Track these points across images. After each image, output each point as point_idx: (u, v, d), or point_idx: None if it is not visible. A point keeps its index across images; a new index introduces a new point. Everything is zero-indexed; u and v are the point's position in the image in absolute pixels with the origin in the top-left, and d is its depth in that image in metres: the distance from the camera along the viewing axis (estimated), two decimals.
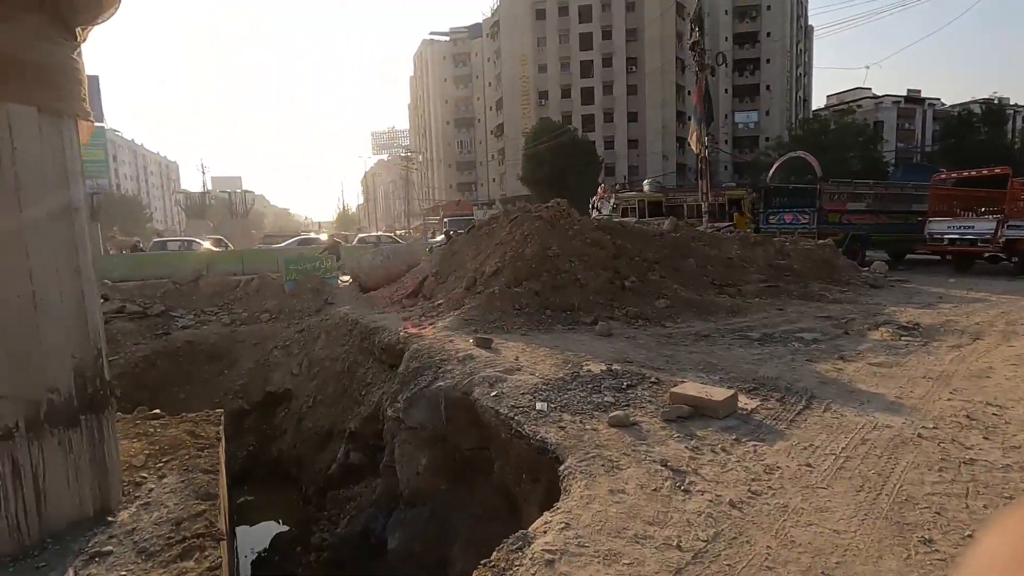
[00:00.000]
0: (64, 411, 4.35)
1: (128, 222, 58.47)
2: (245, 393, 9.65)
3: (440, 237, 18.16)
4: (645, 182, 33.88)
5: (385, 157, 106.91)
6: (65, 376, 4.36)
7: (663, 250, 10.50)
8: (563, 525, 2.67)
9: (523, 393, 4.82)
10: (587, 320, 8.15)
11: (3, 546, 4.11)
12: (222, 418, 7.18)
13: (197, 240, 25.20)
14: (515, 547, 2.65)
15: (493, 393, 4.87)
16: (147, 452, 5.94)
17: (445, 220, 34.19)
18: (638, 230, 10.86)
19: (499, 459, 4.76)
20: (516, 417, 4.33)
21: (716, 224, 18.69)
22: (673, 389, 4.40)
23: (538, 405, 4.47)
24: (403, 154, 75.67)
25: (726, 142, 67.90)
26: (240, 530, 6.95)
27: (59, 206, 4.35)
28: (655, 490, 3.03)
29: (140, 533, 4.38)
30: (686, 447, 3.57)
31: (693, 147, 18.63)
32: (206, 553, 4.04)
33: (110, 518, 4.59)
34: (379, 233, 37.54)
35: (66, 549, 4.19)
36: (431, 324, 8.06)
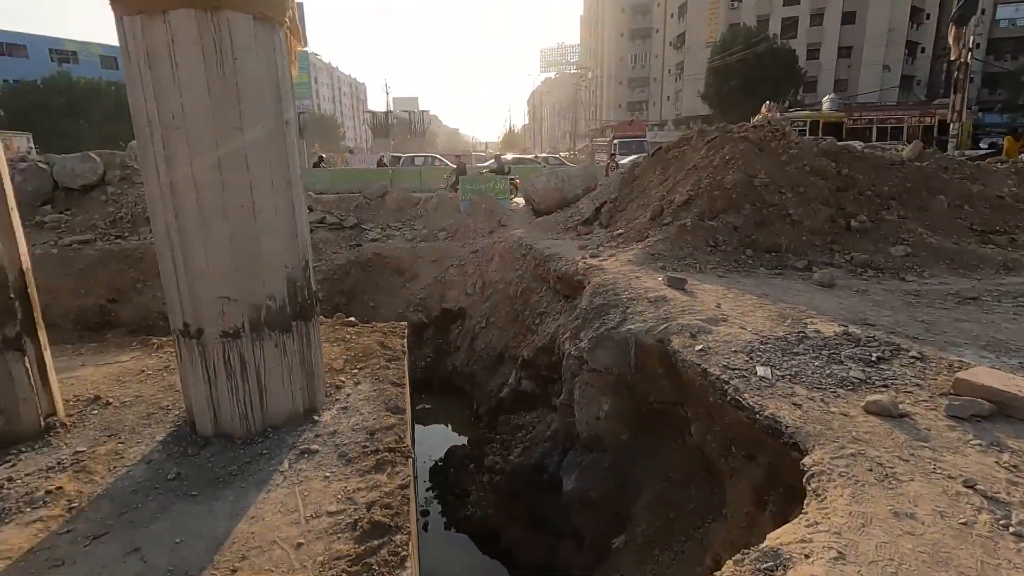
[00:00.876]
0: (279, 317, 4.65)
1: (325, 140, 65.48)
2: (424, 307, 10.15)
3: (631, 158, 16.94)
4: (826, 98, 28.21)
5: (553, 75, 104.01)
6: (279, 284, 4.62)
7: (903, 183, 8.39)
8: (834, 554, 2.00)
9: (735, 351, 4.04)
10: (798, 265, 6.86)
11: (235, 430, 4.64)
12: (406, 331, 7.54)
13: (439, 157, 26.53)
14: (762, 567, 2.05)
15: (697, 347, 4.17)
16: (345, 357, 6.40)
17: (614, 142, 32.30)
18: (872, 157, 8.79)
19: (699, 422, 4.13)
20: (732, 381, 3.61)
21: (966, 152, 14.83)
22: (960, 375, 3.28)
23: (759, 370, 3.69)
24: (572, 71, 72.64)
25: (976, 45, 53.44)
26: (418, 433, 7.39)
27: (273, 119, 4.40)
28: (964, 525, 2.18)
29: (340, 436, 4.67)
30: (997, 462, 2.59)
31: (952, 51, 14.55)
32: (397, 469, 4.15)
33: (316, 417, 4.98)
34: (545, 154, 36.95)
35: (282, 441, 4.61)
36: (612, 256, 7.44)
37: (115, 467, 4.24)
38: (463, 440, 7.42)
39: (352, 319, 7.73)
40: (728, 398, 3.52)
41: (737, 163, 7.95)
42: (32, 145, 29.70)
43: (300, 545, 3.35)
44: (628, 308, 5.25)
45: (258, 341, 4.52)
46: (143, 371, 6.08)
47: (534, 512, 5.29)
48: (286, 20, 4.46)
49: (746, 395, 3.44)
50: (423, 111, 66.48)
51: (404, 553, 3.23)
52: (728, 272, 6.66)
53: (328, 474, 4.10)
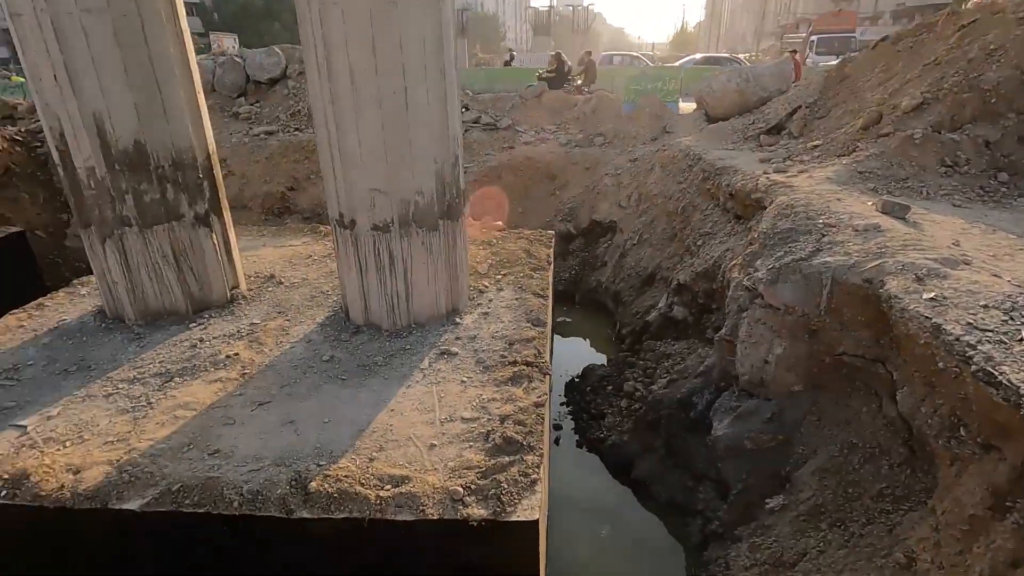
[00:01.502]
0: (426, 214, 4.49)
1: (485, 41, 64.46)
2: (573, 217, 9.67)
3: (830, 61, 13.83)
4: None
5: None
6: (429, 179, 4.42)
7: None
8: None
9: (986, 305, 3.01)
10: None
11: (382, 322, 4.74)
12: (553, 241, 7.17)
13: (641, 56, 24.72)
14: None
15: (927, 294, 3.19)
16: (490, 262, 6.25)
17: (812, 39, 27.05)
18: None
19: (911, 388, 3.26)
20: (980, 346, 2.68)
21: None
22: None
23: None
24: None
25: None
26: (556, 345, 7.22)
27: None
28: None
29: (480, 343, 4.56)
30: None
31: None
32: (533, 385, 3.94)
33: (457, 319, 4.93)
34: (719, 55, 32.45)
35: (424, 339, 4.62)
36: (803, 172, 6.16)
37: (281, 342, 4.59)
38: (602, 359, 7.12)
39: (500, 223, 7.54)
40: (973, 368, 2.62)
41: (1007, 55, 5.90)
42: (237, 45, 33.19)
43: (433, 446, 3.32)
44: (825, 236, 4.25)
45: (405, 237, 4.44)
46: (310, 256, 6.53)
47: (674, 449, 4.88)
48: None
49: (1004, 368, 2.52)
50: (587, 6, 61.72)
51: (535, 476, 3.04)
52: (969, 201, 5.14)
53: (465, 379, 4.02)
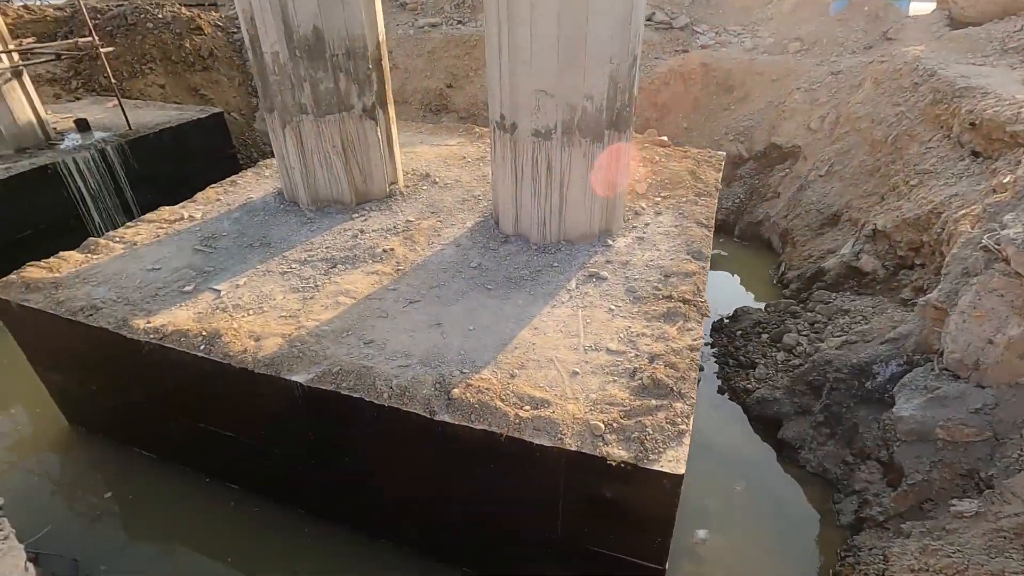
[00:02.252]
0: (593, 122, 4.06)
1: None
2: (747, 137, 8.48)
3: None
4: None
5: None
6: (601, 81, 3.94)
7: None
8: None
9: None
10: None
11: (532, 234, 4.55)
12: (722, 164, 6.35)
13: None
14: None
15: None
16: (649, 181, 5.70)
17: None
18: None
19: None
20: None
21: None
22: None
23: None
24: None
25: None
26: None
27: None
28: None
29: (632, 270, 4.22)
30: None
31: None
32: (689, 326, 3.57)
33: (610, 241, 4.59)
34: None
35: (573, 258, 4.38)
36: None
37: (433, 242, 4.65)
38: (759, 304, 6.41)
39: (664, 139, 6.81)
40: None
41: None
42: None
43: (575, 374, 3.17)
44: None
45: (567, 146, 4.10)
46: (464, 158, 6.47)
47: (836, 417, 4.30)
48: None
49: None
50: None
51: (683, 427, 2.78)
52: None
53: (613, 307, 3.76)
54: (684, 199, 5.29)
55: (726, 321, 6.01)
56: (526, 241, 4.56)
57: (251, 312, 3.77)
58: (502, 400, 2.95)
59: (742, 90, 8.98)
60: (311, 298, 3.91)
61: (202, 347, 3.43)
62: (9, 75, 6.93)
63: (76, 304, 3.84)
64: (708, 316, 3.76)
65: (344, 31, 4.57)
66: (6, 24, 7.19)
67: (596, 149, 4.16)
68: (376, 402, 3.01)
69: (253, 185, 5.82)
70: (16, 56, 7.13)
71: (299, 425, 3.45)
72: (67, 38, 10.06)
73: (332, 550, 3.89)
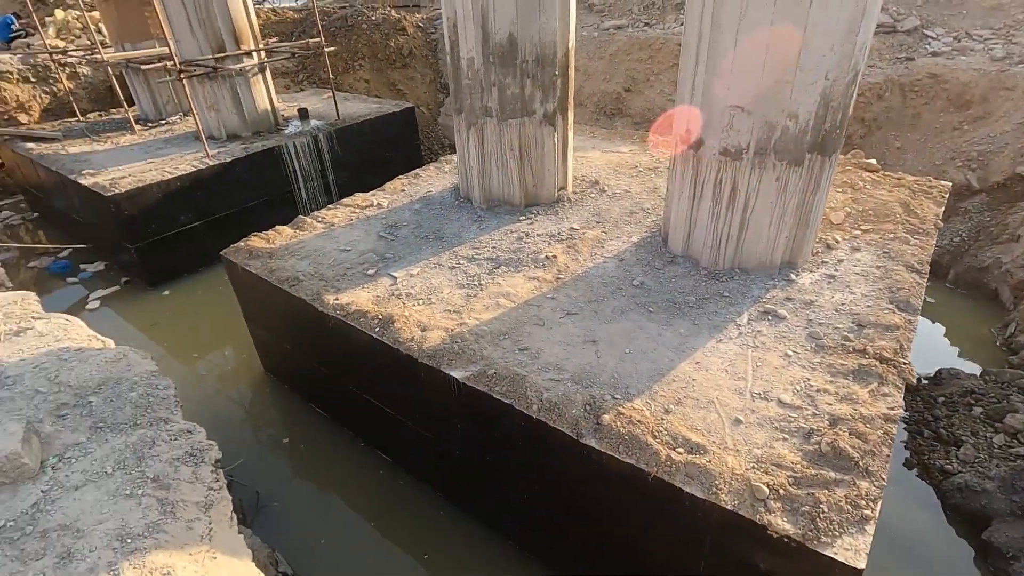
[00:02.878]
0: (793, 144, 3.65)
1: None
2: (981, 165, 7.05)
3: None
4: None
5: None
6: (809, 100, 3.51)
7: None
8: None
9: None
10: None
11: (702, 257, 4.25)
12: (946, 197, 5.34)
13: None
14: None
15: None
16: (848, 210, 5.00)
17: None
18: None
19: None
20: None
21: None
22: None
23: None
24: None
25: None
26: None
27: None
28: None
29: (817, 311, 3.74)
30: None
31: None
32: (884, 390, 3.06)
33: (792, 275, 4.11)
34: None
35: (746, 289, 4.01)
36: None
37: (596, 253, 4.57)
38: (972, 368, 5.32)
39: (871, 161, 5.93)
40: None
41: None
42: None
43: (738, 422, 2.89)
44: None
45: (758, 168, 3.73)
46: (636, 167, 6.27)
47: None
48: None
49: None
50: None
51: (868, 512, 2.37)
52: None
53: (790, 352, 3.36)
54: (891, 235, 4.56)
55: (925, 382, 5.09)
56: (695, 264, 4.28)
57: (420, 302, 4.04)
58: (654, 436, 2.79)
59: (982, 107, 7.50)
60: (474, 296, 4.07)
61: (376, 329, 3.75)
62: (256, 70, 8.25)
63: (284, 274, 4.45)
64: (911, 382, 3.19)
65: (537, 38, 4.65)
66: (258, 25, 8.54)
67: (792, 174, 3.74)
68: (525, 412, 3.03)
69: (434, 179, 6.25)
70: (263, 54, 8.47)
71: (450, 416, 3.62)
72: (300, 38, 11.72)
73: (461, 539, 4.06)
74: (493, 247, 4.73)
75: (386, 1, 15.04)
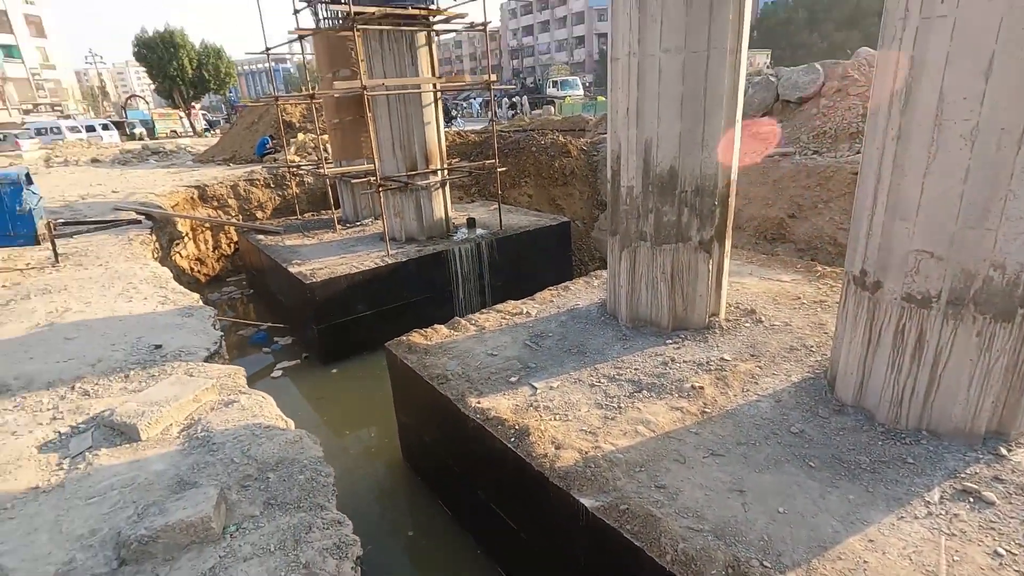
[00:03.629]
0: (1000, 297, 3.18)
1: None
2: None
3: None
4: None
5: None
6: (1019, 251, 3.10)
7: None
8: None
9: None
10: None
11: (880, 413, 3.73)
12: None
13: None
14: None
15: None
16: None
17: None
18: None
19: None
20: None
21: None
22: None
23: None
24: None
25: None
26: None
27: None
28: None
29: None
30: None
31: None
32: None
33: (1003, 450, 3.39)
34: None
35: (938, 458, 3.38)
36: None
37: (748, 390, 4.25)
38: None
39: None
40: None
41: None
42: (768, 60, 33.54)
43: None
44: None
45: (952, 320, 3.28)
46: (799, 298, 5.87)
47: None
48: None
49: None
50: None
51: None
52: None
53: (1002, 551, 2.71)
54: None
55: None
56: (869, 418, 3.76)
57: (557, 417, 4.04)
58: None
59: None
60: (612, 419, 3.98)
61: (512, 439, 3.81)
62: (438, 185, 9.51)
63: (435, 371, 4.79)
64: None
65: (698, 171, 4.78)
66: (445, 147, 9.95)
67: (999, 329, 3.22)
68: (657, 560, 2.79)
69: (582, 293, 6.45)
70: (446, 172, 9.77)
71: (574, 545, 3.45)
72: (478, 157, 13.35)
73: None
74: (636, 368, 4.64)
75: (555, 126, 16.65)
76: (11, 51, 44.76)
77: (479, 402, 4.28)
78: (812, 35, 42.34)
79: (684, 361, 4.71)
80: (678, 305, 5.21)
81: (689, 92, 4.53)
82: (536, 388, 4.45)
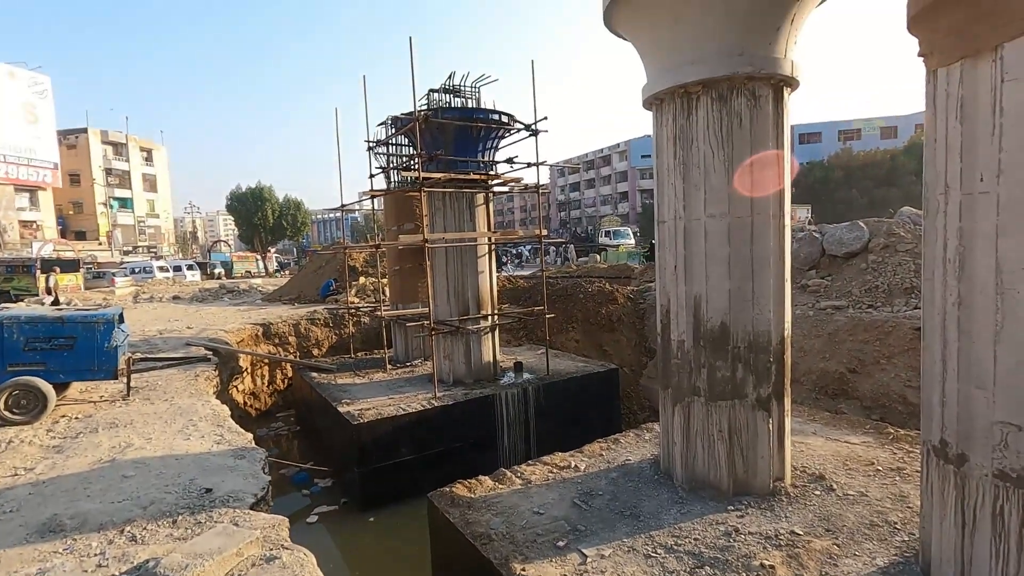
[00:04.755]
0: None
1: None
2: None
3: None
4: None
5: None
6: None
7: None
8: None
9: None
10: None
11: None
12: None
13: None
14: None
15: None
16: None
17: None
18: None
19: None
20: None
21: None
22: None
23: None
24: None
25: None
26: None
27: None
28: None
29: None
30: None
31: None
32: None
33: None
34: None
35: None
36: None
37: (826, 573, 3.78)
38: None
39: None
40: None
41: None
42: (810, 215, 34.63)
43: None
44: None
45: None
46: (872, 463, 5.40)
47: None
48: None
49: None
50: None
51: None
52: None
53: None
54: None
55: None
56: None
57: None
58: None
59: None
60: None
61: None
62: (487, 329, 9.78)
63: (478, 528, 4.53)
64: None
65: (750, 327, 4.78)
66: (496, 292, 10.39)
67: None
68: None
69: (633, 447, 6.17)
70: (496, 317, 10.10)
71: None
72: (527, 303, 13.80)
73: None
74: (696, 539, 4.25)
75: (601, 274, 17.25)
76: (126, 203, 51.96)
77: (524, 569, 3.96)
78: (851, 192, 43.89)
79: (749, 533, 4.29)
80: (738, 467, 4.88)
81: (736, 253, 4.71)
82: (586, 556, 4.10)
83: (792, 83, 4.80)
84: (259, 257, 41.31)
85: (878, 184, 42.73)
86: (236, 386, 11.13)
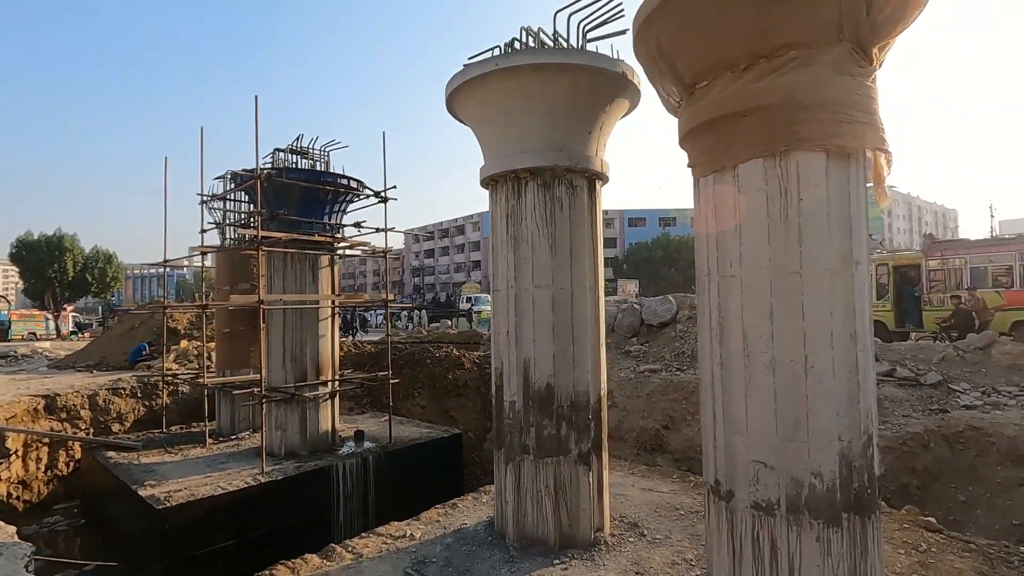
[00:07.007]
0: (824, 503, 3.64)
1: None
2: None
3: None
4: None
5: None
6: (829, 459, 3.66)
7: None
8: None
9: None
10: None
11: None
12: None
13: None
14: None
15: None
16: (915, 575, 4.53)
17: None
18: None
19: None
20: None
21: None
22: None
23: None
24: None
25: None
26: None
27: (839, 261, 3.74)
28: None
29: None
30: None
31: None
32: None
33: None
34: None
35: None
36: None
37: None
38: None
39: (931, 520, 5.58)
40: None
41: None
42: (638, 289, 39.03)
43: None
44: None
45: (795, 527, 3.64)
46: (677, 508, 6.11)
47: None
48: (872, 145, 3.81)
49: None
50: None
51: None
52: None
53: None
54: None
55: None
56: None
57: None
58: None
59: None
60: None
61: None
62: (327, 397, 9.34)
63: None
64: None
65: (572, 387, 5.28)
66: (341, 356, 10.02)
67: (832, 534, 3.61)
68: None
69: (470, 511, 6.24)
70: (337, 383, 9.70)
71: None
72: (373, 368, 13.44)
73: None
74: None
75: (450, 339, 17.49)
76: None
77: None
78: (671, 270, 50.57)
79: None
80: (563, 520, 5.21)
81: (559, 320, 5.26)
82: None
83: (603, 177, 5.67)
84: (49, 316, 34.80)
85: (690, 264, 49.87)
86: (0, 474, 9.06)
